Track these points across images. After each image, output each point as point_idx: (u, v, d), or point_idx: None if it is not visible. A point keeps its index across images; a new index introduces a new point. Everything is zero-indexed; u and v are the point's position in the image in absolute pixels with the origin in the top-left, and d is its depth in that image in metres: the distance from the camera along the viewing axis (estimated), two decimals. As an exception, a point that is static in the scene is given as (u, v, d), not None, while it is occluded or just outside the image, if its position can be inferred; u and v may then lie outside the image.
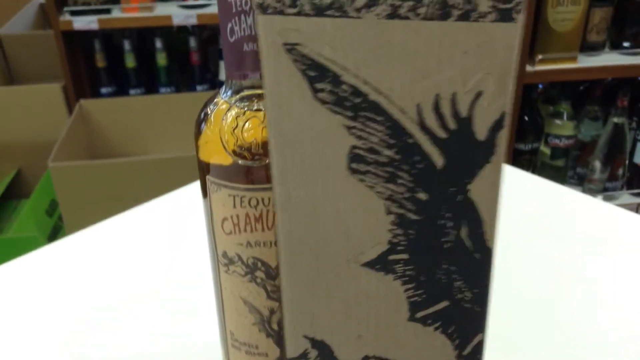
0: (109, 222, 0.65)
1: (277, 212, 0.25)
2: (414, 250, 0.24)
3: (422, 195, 0.23)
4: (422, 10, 0.20)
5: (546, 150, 1.51)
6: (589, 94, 1.50)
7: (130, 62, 1.83)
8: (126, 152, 1.73)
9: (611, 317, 0.49)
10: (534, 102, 1.47)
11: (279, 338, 0.39)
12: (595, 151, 1.49)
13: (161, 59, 1.83)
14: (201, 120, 0.37)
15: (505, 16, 0.20)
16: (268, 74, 0.22)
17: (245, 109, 0.35)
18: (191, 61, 1.84)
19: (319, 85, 0.22)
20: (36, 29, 2.12)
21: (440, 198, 0.23)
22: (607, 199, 1.51)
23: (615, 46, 1.44)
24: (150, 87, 1.88)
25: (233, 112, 0.35)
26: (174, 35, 1.90)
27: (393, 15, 0.21)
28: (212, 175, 0.36)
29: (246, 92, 0.35)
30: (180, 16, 1.65)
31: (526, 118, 1.46)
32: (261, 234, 0.36)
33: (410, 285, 0.24)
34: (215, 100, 0.37)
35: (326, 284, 0.25)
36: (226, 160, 0.35)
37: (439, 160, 0.22)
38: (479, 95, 0.21)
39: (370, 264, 0.24)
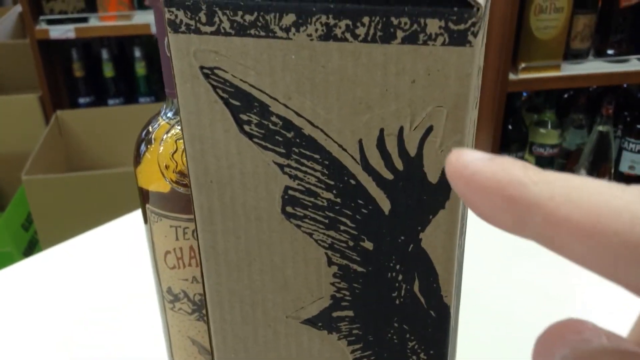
0: (88, 235, 0.63)
1: (201, 260, 0.21)
2: (361, 306, 0.20)
3: (367, 245, 0.20)
4: (361, 31, 0.17)
5: (531, 159, 1.48)
6: (574, 102, 1.48)
7: (108, 71, 1.79)
8: (104, 164, 1.69)
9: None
10: (517, 110, 1.45)
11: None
12: (580, 160, 1.47)
13: (140, 68, 1.79)
14: (141, 141, 0.33)
15: (459, 39, 0.16)
16: (184, 102, 0.19)
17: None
18: (171, 70, 1.80)
19: (244, 117, 0.19)
20: (15, 38, 2.08)
21: (388, 248, 0.19)
22: (593, 208, 1.49)
23: (599, 54, 1.41)
24: (130, 97, 1.84)
25: (172, 134, 0.31)
26: (153, 44, 1.86)
27: (328, 36, 0.17)
28: (152, 205, 0.33)
29: (188, 115, 0.31)
30: (158, 24, 1.62)
31: (510, 127, 1.43)
32: (208, 271, 0.33)
33: (357, 346, 0.21)
34: (156, 120, 0.33)
35: (263, 343, 0.22)
36: (166, 188, 0.32)
37: (385, 204, 0.19)
38: (429, 131, 0.17)
39: (311, 321, 0.21)
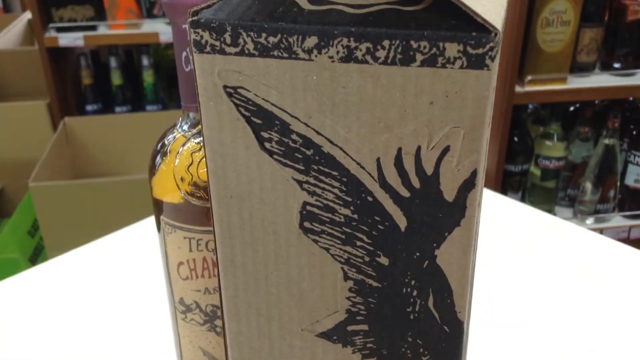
0: (95, 244, 0.63)
1: (219, 273, 0.22)
2: (375, 320, 0.21)
3: (383, 260, 0.20)
4: (381, 54, 0.17)
5: (536, 171, 1.49)
6: (580, 115, 1.48)
7: (116, 79, 1.80)
8: (111, 171, 1.69)
9: (602, 346, 0.47)
10: (523, 123, 1.45)
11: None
12: (586, 173, 1.47)
13: (148, 77, 1.80)
14: (156, 153, 0.34)
15: (477, 63, 0.17)
16: (207, 119, 0.20)
17: (202, 143, 0.32)
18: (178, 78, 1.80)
19: (265, 134, 0.19)
20: (24, 45, 2.09)
21: (403, 263, 0.20)
22: (599, 221, 1.49)
23: (606, 67, 1.42)
24: (137, 105, 1.85)
25: (188, 147, 0.32)
26: (161, 52, 1.87)
27: (348, 58, 0.18)
28: (166, 216, 0.33)
29: (204, 128, 0.32)
30: (167, 33, 1.63)
31: (516, 139, 1.44)
32: (221, 282, 0.33)
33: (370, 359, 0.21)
34: (172, 132, 0.34)
35: (278, 355, 0.22)
36: (181, 199, 0.32)
37: (401, 221, 0.19)
38: (445, 151, 0.18)
39: (326, 335, 0.21)
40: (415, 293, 0.20)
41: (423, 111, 0.18)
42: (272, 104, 0.19)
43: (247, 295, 0.22)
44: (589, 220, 1.49)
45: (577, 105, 1.52)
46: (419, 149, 0.18)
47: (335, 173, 0.19)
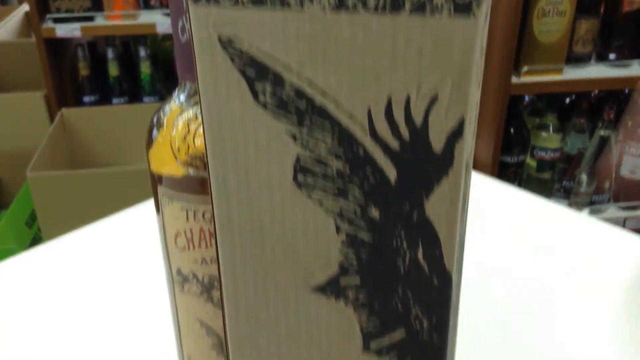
0: (88, 229, 0.63)
1: (216, 232, 0.22)
2: (367, 273, 0.21)
3: (374, 213, 0.20)
4: (371, 2, 0.18)
5: (532, 162, 1.49)
6: (575, 107, 1.48)
7: (113, 70, 1.80)
8: (108, 162, 1.70)
9: (596, 331, 0.47)
10: (519, 114, 1.46)
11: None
12: (582, 164, 1.48)
13: (145, 68, 1.81)
14: (153, 126, 0.34)
15: (463, 10, 0.17)
16: (202, 73, 0.20)
17: (198, 113, 0.32)
18: (175, 70, 1.81)
19: (259, 86, 0.20)
20: (22, 37, 2.09)
21: (394, 216, 0.20)
22: (594, 212, 1.49)
23: (601, 58, 1.42)
24: (134, 96, 1.85)
25: (184, 117, 0.32)
26: (158, 44, 1.87)
27: (339, 6, 0.18)
28: (164, 187, 0.33)
29: (200, 97, 0.32)
30: (164, 24, 1.63)
31: (512, 130, 1.44)
32: (216, 251, 0.33)
33: (363, 313, 0.22)
34: (168, 104, 0.34)
35: (273, 311, 0.23)
36: (178, 170, 0.33)
37: (391, 173, 0.20)
38: (434, 100, 0.18)
39: (320, 289, 0.22)
40: (405, 245, 0.21)
41: (412, 60, 0.18)
42: (266, 56, 0.19)
43: (243, 252, 0.22)
44: (585, 212, 1.49)
45: (573, 96, 1.52)
46: (408, 98, 0.19)
47: (327, 125, 0.20)
